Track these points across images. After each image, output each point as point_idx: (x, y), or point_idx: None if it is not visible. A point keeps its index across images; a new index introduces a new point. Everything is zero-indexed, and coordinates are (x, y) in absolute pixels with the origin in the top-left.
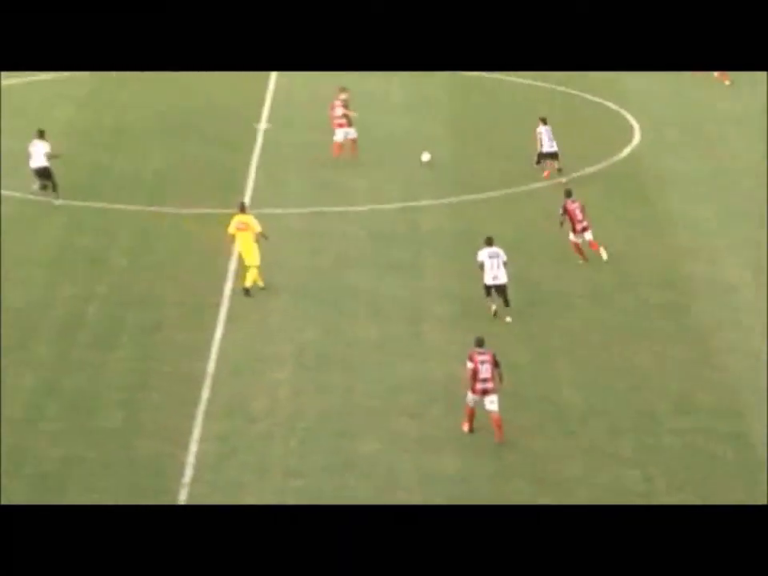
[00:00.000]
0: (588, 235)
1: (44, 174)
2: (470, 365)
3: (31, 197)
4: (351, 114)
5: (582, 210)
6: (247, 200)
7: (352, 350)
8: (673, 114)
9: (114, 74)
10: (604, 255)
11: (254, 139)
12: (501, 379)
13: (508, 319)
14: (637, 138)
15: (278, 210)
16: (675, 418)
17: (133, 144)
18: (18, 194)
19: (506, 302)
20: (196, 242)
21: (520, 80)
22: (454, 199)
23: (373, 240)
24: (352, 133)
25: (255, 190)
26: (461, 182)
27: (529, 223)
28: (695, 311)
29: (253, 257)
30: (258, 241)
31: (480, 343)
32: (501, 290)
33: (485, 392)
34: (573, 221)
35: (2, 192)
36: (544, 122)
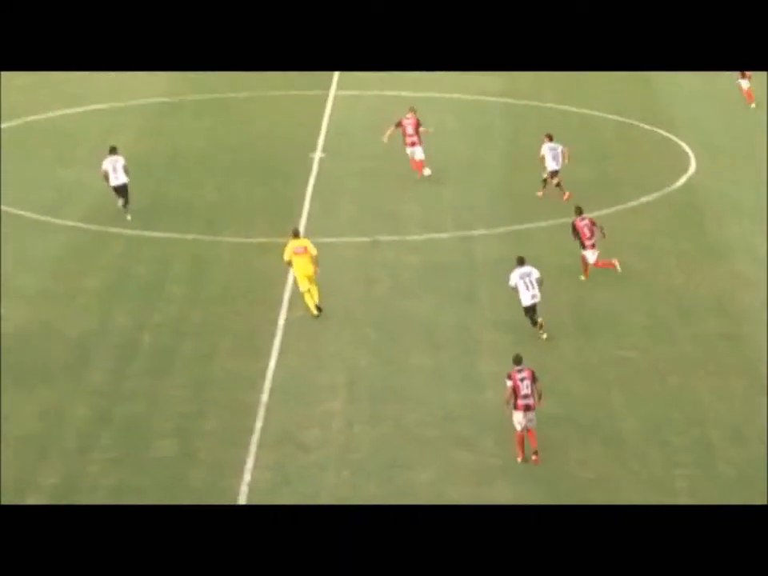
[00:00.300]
0: (595, 254)
1: (124, 189)
2: (509, 383)
3: (83, 225)
4: (423, 130)
5: (591, 227)
6: (302, 228)
7: (406, 380)
8: (728, 142)
9: (169, 103)
10: (618, 267)
11: (309, 168)
12: (540, 396)
13: (544, 336)
14: (693, 166)
15: (333, 239)
16: (731, 448)
17: (188, 173)
18: (73, 223)
19: (535, 322)
20: (250, 270)
21: (573, 109)
22: (507, 228)
23: (427, 269)
24: (420, 153)
25: (310, 218)
26: (515, 211)
27: None
28: (753, 341)
29: (309, 281)
30: (314, 264)
31: (518, 361)
32: (535, 308)
33: (527, 408)
34: (582, 238)
35: (60, 221)
36: (549, 138)
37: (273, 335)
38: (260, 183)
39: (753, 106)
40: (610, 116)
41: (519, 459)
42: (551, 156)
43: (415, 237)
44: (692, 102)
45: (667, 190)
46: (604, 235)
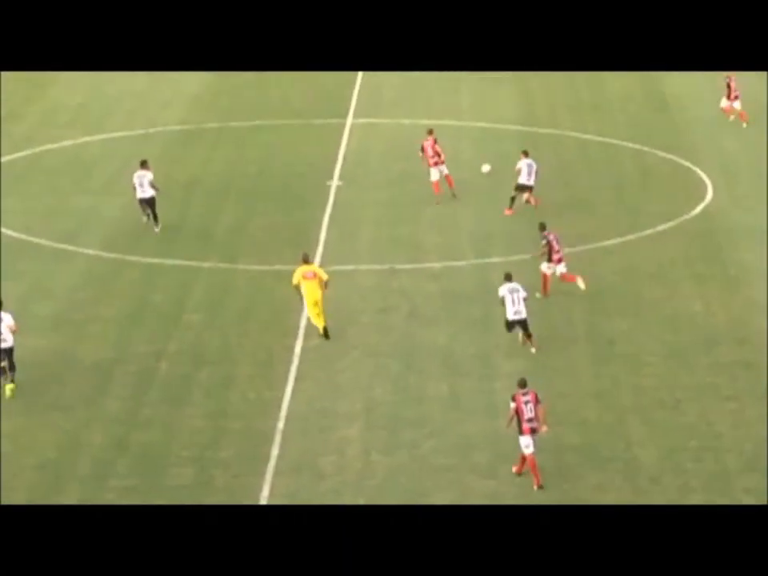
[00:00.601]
0: (562, 267)
1: (151, 202)
2: (512, 405)
3: (100, 253)
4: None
5: (559, 241)
6: (318, 256)
7: (422, 407)
8: (744, 170)
9: (186, 131)
10: (582, 285)
11: (326, 196)
12: (544, 419)
13: (533, 350)
14: (710, 194)
15: (350, 267)
16: (747, 476)
17: (205, 201)
18: (90, 251)
19: (529, 336)
20: (268, 298)
21: (590, 137)
22: (525, 256)
23: (445, 296)
24: (445, 169)
25: (327, 246)
26: (533, 239)
27: (602, 279)
28: None
29: (317, 307)
30: (323, 288)
31: (523, 384)
32: (523, 324)
33: (533, 431)
34: (551, 251)
35: (77, 249)
36: (526, 154)
37: (289, 362)
38: (277, 211)
39: (744, 125)
40: (627, 144)
41: (536, 486)
42: (527, 171)
43: (433, 264)
44: (709, 130)
45: (684, 217)
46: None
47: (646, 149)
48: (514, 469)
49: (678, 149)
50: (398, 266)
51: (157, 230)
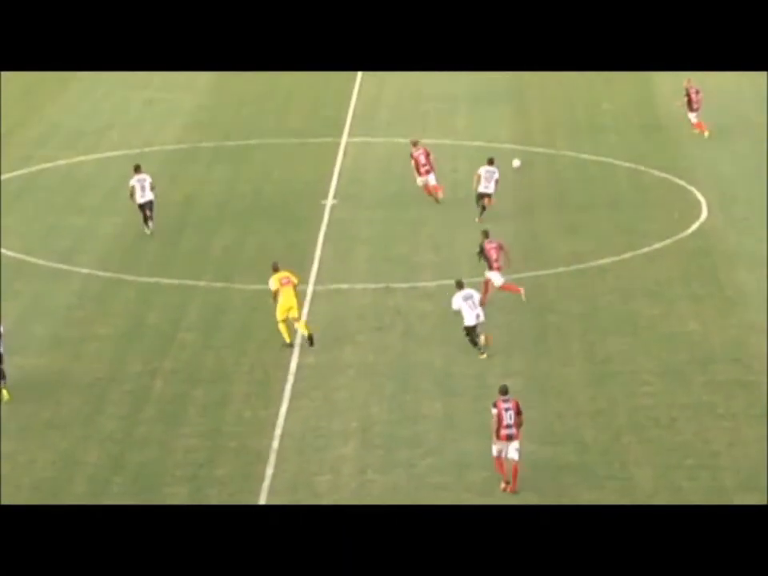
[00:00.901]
0: (500, 277)
1: (151, 205)
2: (494, 411)
3: (96, 272)
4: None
5: (498, 251)
6: (313, 275)
7: (418, 426)
8: (739, 189)
9: (182, 150)
10: (523, 296)
11: (321, 215)
12: (520, 426)
13: (483, 356)
14: (704, 213)
15: (345, 286)
16: (744, 495)
17: (201, 220)
18: (86, 270)
19: (476, 342)
20: (263, 317)
21: (585, 156)
22: (520, 275)
23: (440, 315)
24: (433, 179)
25: (322, 265)
26: (528, 258)
27: (598, 299)
28: (765, 388)
29: (298, 309)
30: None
31: (504, 391)
32: (482, 327)
33: (509, 438)
34: (489, 260)
35: (73, 268)
36: (490, 162)
37: (285, 381)
38: (272, 230)
39: (706, 134)
40: (623, 163)
41: (502, 487)
42: (485, 178)
43: (428, 283)
44: (704, 150)
45: (680, 236)
46: (509, 261)
47: (641, 168)
48: (501, 486)
49: (672, 168)
50: (394, 285)
51: (149, 231)
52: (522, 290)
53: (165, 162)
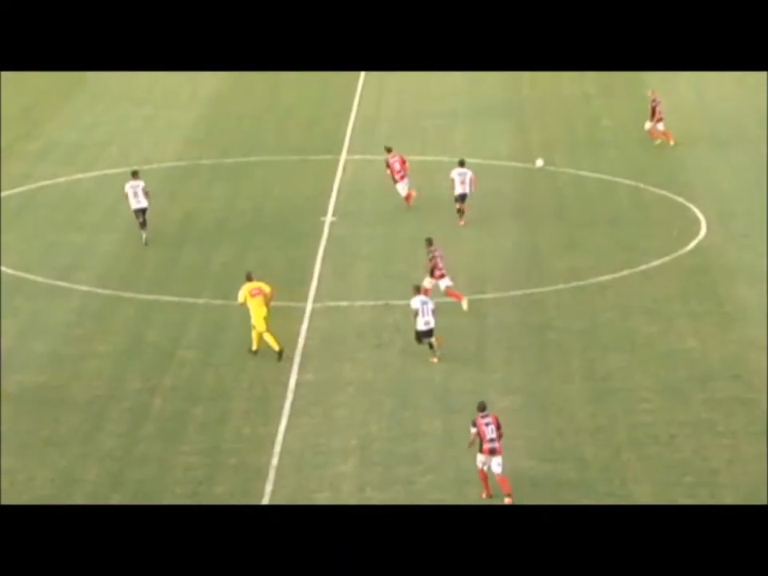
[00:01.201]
0: (445, 282)
1: (145, 212)
2: (473, 429)
3: (95, 289)
4: (407, 167)
5: (442, 259)
6: (312, 292)
7: (417, 444)
8: (738, 206)
9: (181, 167)
10: (465, 306)
11: (321, 232)
12: (500, 439)
13: (435, 360)
14: (703, 230)
15: (344, 302)
16: None
17: (200, 237)
18: (85, 288)
19: (431, 345)
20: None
21: (584, 173)
22: (520, 292)
23: (439, 332)
24: (404, 186)
25: (321, 281)
26: (527, 275)
27: (597, 315)
28: (764, 405)
29: (265, 322)
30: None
31: (482, 408)
32: (430, 333)
33: (492, 452)
34: (434, 268)
35: (72, 286)
36: (461, 164)
37: (284, 398)
38: (272, 247)
39: (672, 143)
40: (622, 180)
41: (484, 495)
42: (459, 180)
43: None
44: (703, 167)
45: (679, 253)
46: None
47: (640, 185)
48: (484, 495)
49: (672, 185)
50: (393, 302)
51: (144, 241)
52: (465, 301)
53: (164, 178)
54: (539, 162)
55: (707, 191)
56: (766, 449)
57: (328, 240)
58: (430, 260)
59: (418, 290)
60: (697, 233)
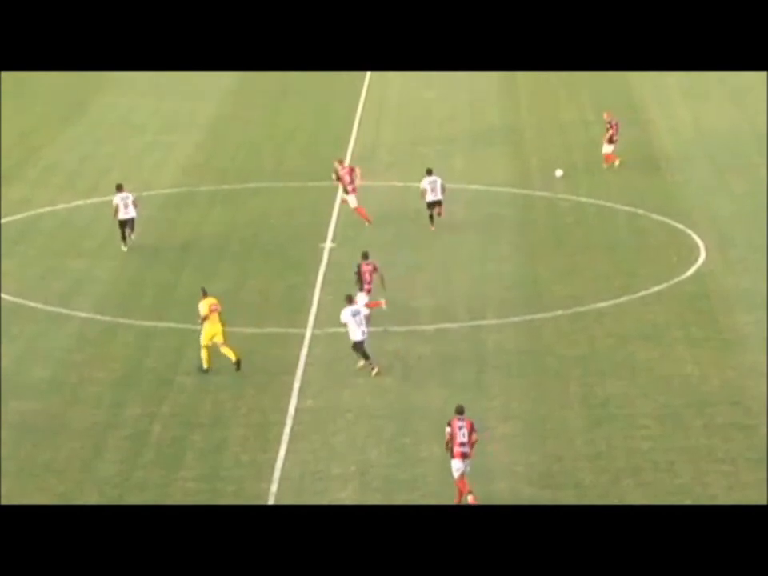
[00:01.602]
0: (366, 298)
1: (132, 223)
2: (447, 429)
3: (93, 316)
4: (358, 180)
5: (372, 273)
6: (312, 317)
7: (417, 470)
8: (737, 232)
9: (180, 194)
10: (384, 305)
11: (320, 258)
12: (473, 446)
13: (359, 364)
14: (702, 256)
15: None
16: None
17: (199, 263)
18: (84, 314)
19: (366, 355)
20: (261, 360)
21: (583, 199)
22: (518, 318)
23: (438, 359)
24: (354, 200)
25: (320, 308)
26: (527, 301)
27: (596, 341)
28: (764, 431)
29: (223, 335)
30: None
31: (460, 411)
32: (366, 342)
33: (464, 455)
34: (362, 281)
35: (70, 312)
36: (429, 173)
37: (283, 424)
38: (271, 273)
39: (617, 163)
40: (621, 206)
41: (456, 501)
42: (430, 189)
43: (426, 327)
44: (702, 193)
45: (677, 279)
46: (384, 284)
47: (639, 211)
48: (455, 501)
49: (671, 211)
50: (392, 328)
51: (125, 248)
52: (384, 303)
53: (163, 205)
54: (558, 173)
55: (706, 217)
56: (765, 475)
57: (327, 266)
58: (358, 272)
59: (350, 300)
60: (696, 259)
